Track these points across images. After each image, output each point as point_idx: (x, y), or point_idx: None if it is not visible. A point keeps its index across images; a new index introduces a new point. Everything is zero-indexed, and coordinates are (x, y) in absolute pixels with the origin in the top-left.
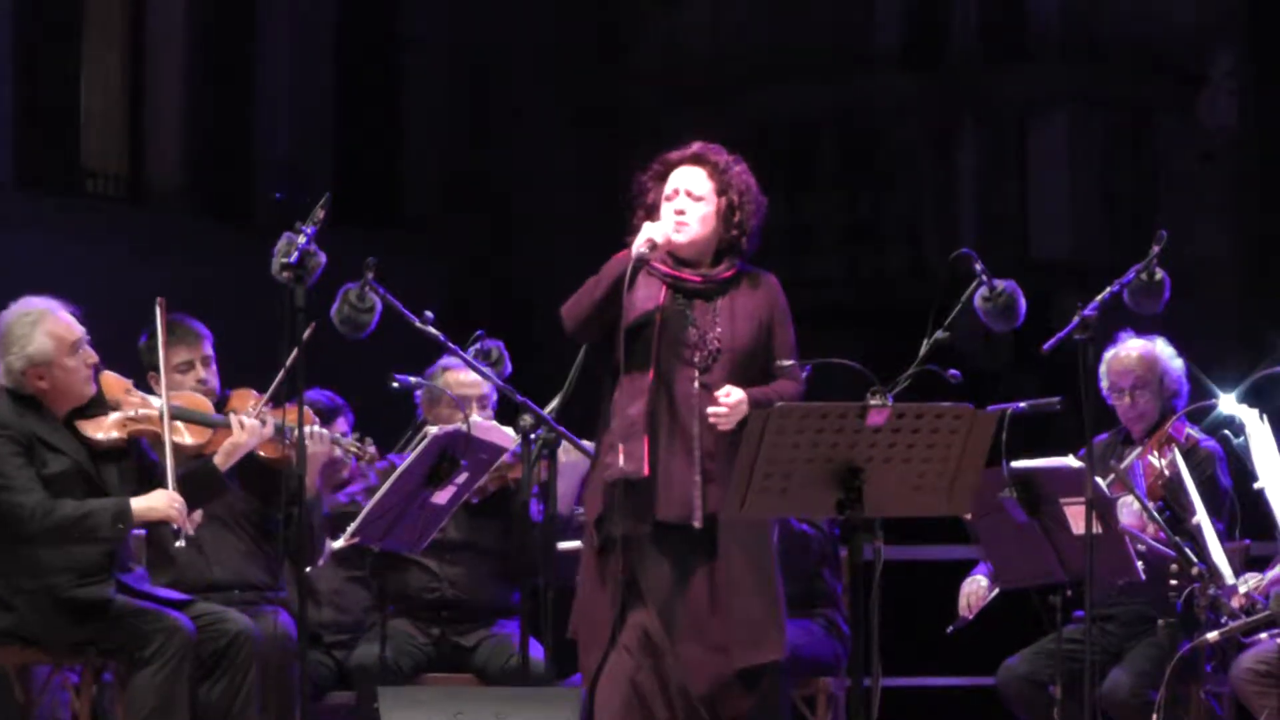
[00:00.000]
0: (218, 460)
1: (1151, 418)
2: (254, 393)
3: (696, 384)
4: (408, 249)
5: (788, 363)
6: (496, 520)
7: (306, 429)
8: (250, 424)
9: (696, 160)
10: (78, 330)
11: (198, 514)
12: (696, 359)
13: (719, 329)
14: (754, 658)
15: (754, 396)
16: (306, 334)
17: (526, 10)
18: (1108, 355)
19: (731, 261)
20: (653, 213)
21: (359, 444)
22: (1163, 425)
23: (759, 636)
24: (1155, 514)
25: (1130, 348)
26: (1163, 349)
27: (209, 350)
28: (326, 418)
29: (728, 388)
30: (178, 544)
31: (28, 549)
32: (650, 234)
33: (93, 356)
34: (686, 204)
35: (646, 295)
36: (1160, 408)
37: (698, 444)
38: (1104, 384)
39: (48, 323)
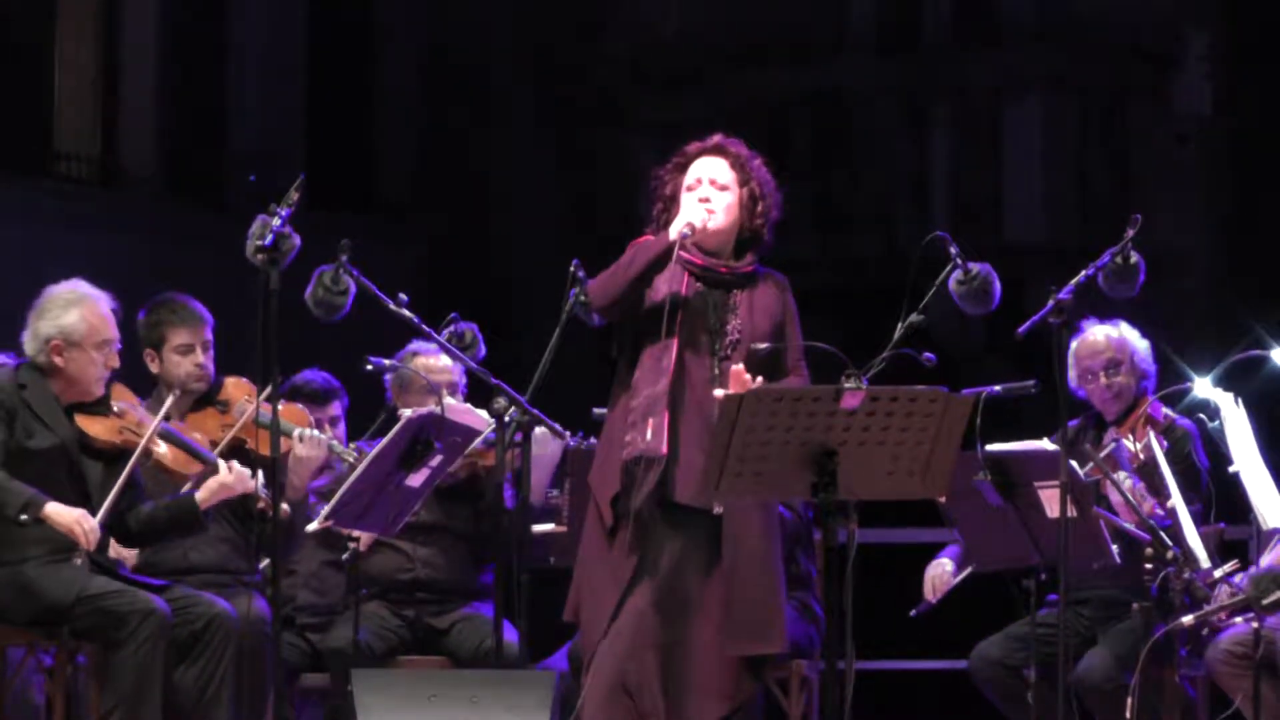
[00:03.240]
0: (200, 496)
1: (1128, 398)
2: (246, 381)
3: (716, 370)
4: (381, 232)
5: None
6: (469, 503)
7: (302, 432)
8: (240, 471)
9: (718, 151)
10: (113, 331)
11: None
12: (716, 347)
13: (738, 319)
14: (756, 648)
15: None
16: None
17: None
18: (1074, 344)
19: (754, 256)
20: (672, 204)
21: (356, 455)
22: (1137, 407)
23: (763, 628)
24: (1132, 495)
25: (1097, 332)
26: (1127, 330)
27: (209, 335)
28: (322, 399)
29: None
30: (75, 560)
31: None
32: (689, 218)
33: (114, 361)
34: (711, 192)
35: (669, 279)
36: (1134, 387)
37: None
38: (1072, 373)
39: (88, 306)
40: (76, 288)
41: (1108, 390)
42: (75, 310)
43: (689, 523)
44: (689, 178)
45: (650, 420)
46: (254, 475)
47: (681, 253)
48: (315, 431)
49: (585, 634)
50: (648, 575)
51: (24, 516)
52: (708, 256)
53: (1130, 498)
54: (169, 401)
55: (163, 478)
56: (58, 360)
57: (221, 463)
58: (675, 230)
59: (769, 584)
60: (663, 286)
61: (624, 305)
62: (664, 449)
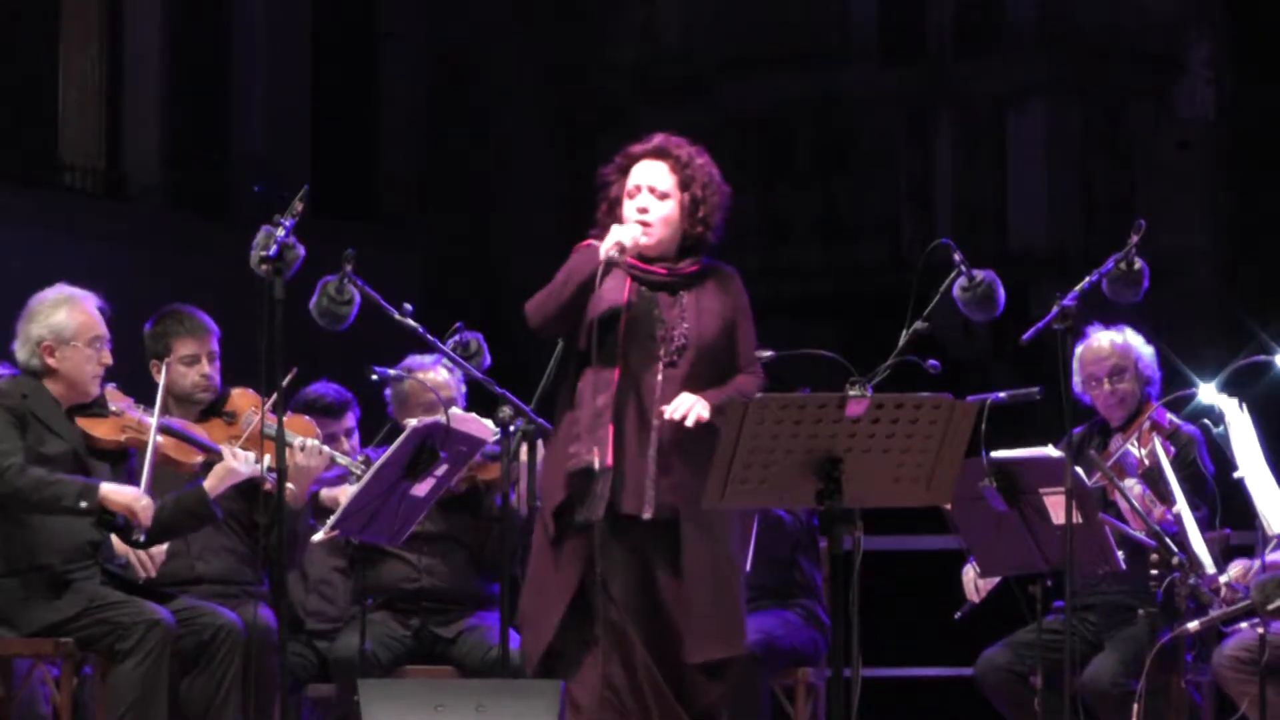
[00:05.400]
0: (208, 484)
1: (1131, 404)
2: (252, 392)
3: (661, 377)
4: (385, 241)
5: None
6: (474, 513)
7: (303, 441)
8: (244, 455)
9: (659, 154)
10: (101, 328)
11: (160, 552)
12: (663, 353)
13: (685, 324)
14: (714, 653)
15: (715, 399)
16: (286, 379)
17: (503, 2)
18: (1079, 349)
19: (696, 256)
20: (616, 206)
21: (363, 466)
22: (1141, 413)
23: (719, 631)
24: (1140, 503)
25: (1101, 338)
26: (1132, 336)
27: (215, 346)
28: (336, 412)
29: (675, 401)
30: (137, 537)
31: (14, 526)
32: (619, 237)
33: (108, 358)
34: (650, 201)
35: (613, 288)
36: (1138, 393)
37: (654, 436)
38: (1077, 379)
39: (75, 304)
40: (62, 290)
41: (1112, 396)
42: (63, 309)
43: (635, 532)
44: (629, 182)
45: (595, 432)
46: (258, 460)
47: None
48: (315, 441)
49: (526, 641)
50: (604, 586)
51: (84, 504)
52: (648, 261)
53: (1138, 505)
54: (160, 387)
55: (168, 470)
56: (51, 361)
57: (226, 449)
58: (605, 250)
59: (725, 587)
60: (607, 294)
61: (560, 324)
62: (609, 460)
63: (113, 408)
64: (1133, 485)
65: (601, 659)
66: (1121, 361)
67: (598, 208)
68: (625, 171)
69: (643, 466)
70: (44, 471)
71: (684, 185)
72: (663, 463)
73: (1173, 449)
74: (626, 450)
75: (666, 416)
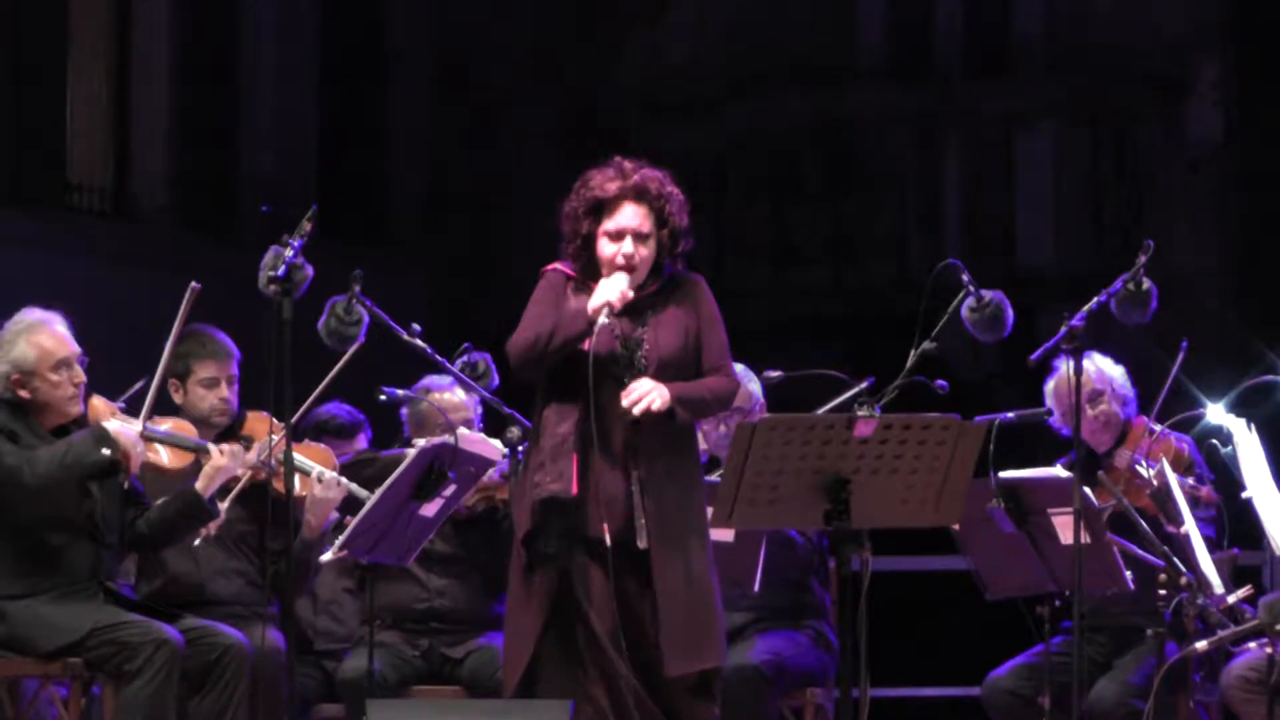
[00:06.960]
0: (199, 485)
1: (1117, 425)
2: (268, 415)
3: (626, 403)
4: (393, 262)
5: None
6: (484, 533)
7: (320, 471)
8: (232, 449)
9: (639, 197)
10: (69, 348)
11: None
12: (626, 377)
13: (646, 345)
14: (688, 666)
15: (677, 389)
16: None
17: (510, 25)
18: (1049, 386)
19: (658, 275)
20: (592, 244)
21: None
22: (1128, 434)
23: (696, 645)
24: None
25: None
26: (1100, 360)
27: (235, 370)
28: (348, 433)
29: (632, 386)
30: (123, 483)
31: (18, 551)
32: (609, 296)
33: (80, 376)
34: (635, 249)
35: (577, 314)
36: (1119, 414)
37: (631, 462)
38: (1056, 412)
39: (36, 333)
40: (23, 317)
41: (1096, 421)
42: (21, 340)
43: (606, 556)
44: (610, 224)
45: (558, 461)
46: (246, 448)
47: (590, 283)
48: (333, 473)
49: (505, 668)
50: (582, 612)
51: (106, 450)
52: None
53: (1184, 498)
54: (148, 401)
55: (162, 480)
56: (23, 394)
57: (213, 446)
58: (593, 306)
59: (700, 602)
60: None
61: (540, 372)
62: (574, 489)
63: (96, 421)
64: (1182, 477)
65: (587, 682)
66: (1098, 386)
67: (564, 237)
68: (598, 209)
69: (623, 494)
70: (47, 446)
71: (662, 223)
72: (640, 487)
73: (1190, 481)
74: (593, 477)
75: (624, 405)
